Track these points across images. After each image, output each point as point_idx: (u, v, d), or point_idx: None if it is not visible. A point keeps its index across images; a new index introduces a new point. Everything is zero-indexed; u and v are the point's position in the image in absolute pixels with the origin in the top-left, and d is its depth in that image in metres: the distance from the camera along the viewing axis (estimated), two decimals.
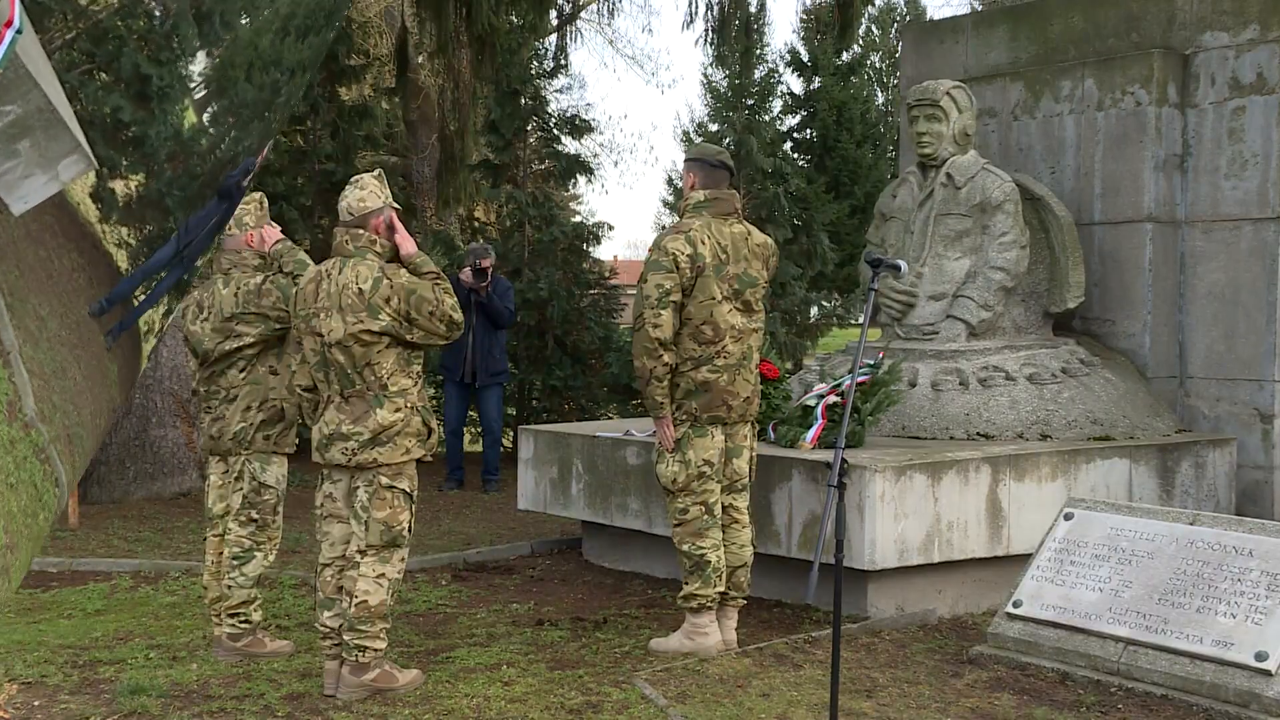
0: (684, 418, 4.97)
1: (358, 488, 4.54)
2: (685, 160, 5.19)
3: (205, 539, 5.20)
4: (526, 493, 6.95)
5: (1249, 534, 4.62)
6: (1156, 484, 6.24)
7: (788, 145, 30.54)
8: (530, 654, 5.03)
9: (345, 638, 4.48)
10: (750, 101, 13.58)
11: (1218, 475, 6.51)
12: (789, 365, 11.39)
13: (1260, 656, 4.24)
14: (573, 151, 12.28)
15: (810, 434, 5.76)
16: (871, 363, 6.10)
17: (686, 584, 4.99)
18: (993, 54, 7.80)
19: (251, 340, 5.00)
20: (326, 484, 4.65)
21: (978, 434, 6.21)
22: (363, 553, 4.52)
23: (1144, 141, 6.93)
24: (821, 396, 5.95)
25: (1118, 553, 4.81)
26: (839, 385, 5.97)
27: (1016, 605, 4.89)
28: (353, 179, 4.68)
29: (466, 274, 9.09)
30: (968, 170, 6.81)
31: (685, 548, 4.98)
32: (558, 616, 5.69)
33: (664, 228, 5.25)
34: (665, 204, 34.13)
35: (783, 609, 5.77)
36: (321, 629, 4.59)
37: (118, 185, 2.79)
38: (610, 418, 10.53)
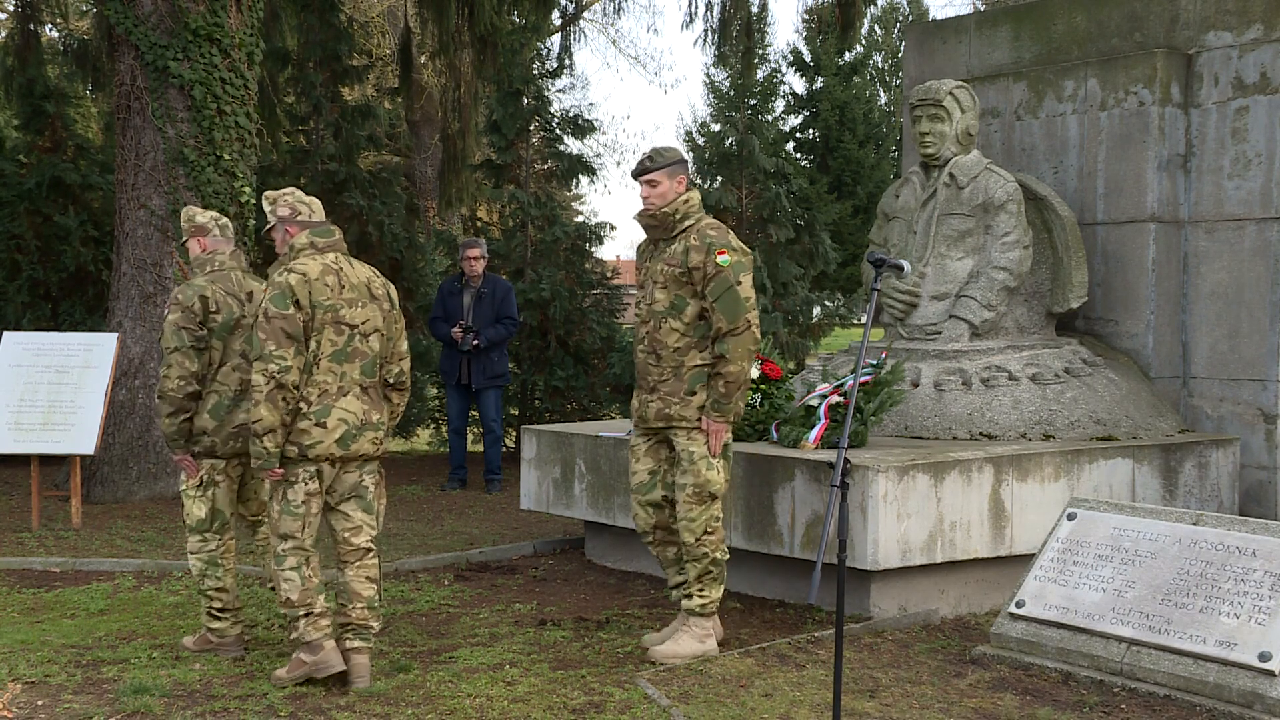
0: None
1: (363, 480, 4.68)
2: (675, 164, 4.99)
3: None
4: (529, 493, 6.95)
5: (1252, 534, 4.61)
6: (1159, 484, 6.24)
7: (790, 145, 30.58)
8: (533, 654, 5.03)
9: (375, 625, 4.69)
10: (753, 101, 13.56)
11: (1220, 475, 6.50)
12: (791, 365, 11.39)
13: (1264, 657, 4.23)
14: (575, 152, 12.27)
15: (813, 434, 5.75)
16: (874, 363, 6.10)
17: (704, 590, 4.96)
18: (996, 54, 7.80)
19: None
20: (343, 476, 4.69)
21: (980, 434, 6.21)
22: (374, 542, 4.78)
23: (1147, 141, 6.92)
24: (824, 396, 5.94)
25: (1121, 553, 4.80)
26: (842, 385, 5.96)
27: (1019, 605, 4.89)
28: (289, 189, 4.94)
29: (457, 332, 9.16)
30: (971, 170, 6.80)
31: (716, 554, 4.96)
32: (560, 616, 5.69)
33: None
34: None
35: (785, 609, 5.77)
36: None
37: None
38: (613, 417, 10.52)
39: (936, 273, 6.82)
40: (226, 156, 9.30)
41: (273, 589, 4.98)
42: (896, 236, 7.08)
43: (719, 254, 4.83)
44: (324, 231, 4.77)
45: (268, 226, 4.90)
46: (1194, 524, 4.77)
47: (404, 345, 4.85)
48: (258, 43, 9.67)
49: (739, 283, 4.82)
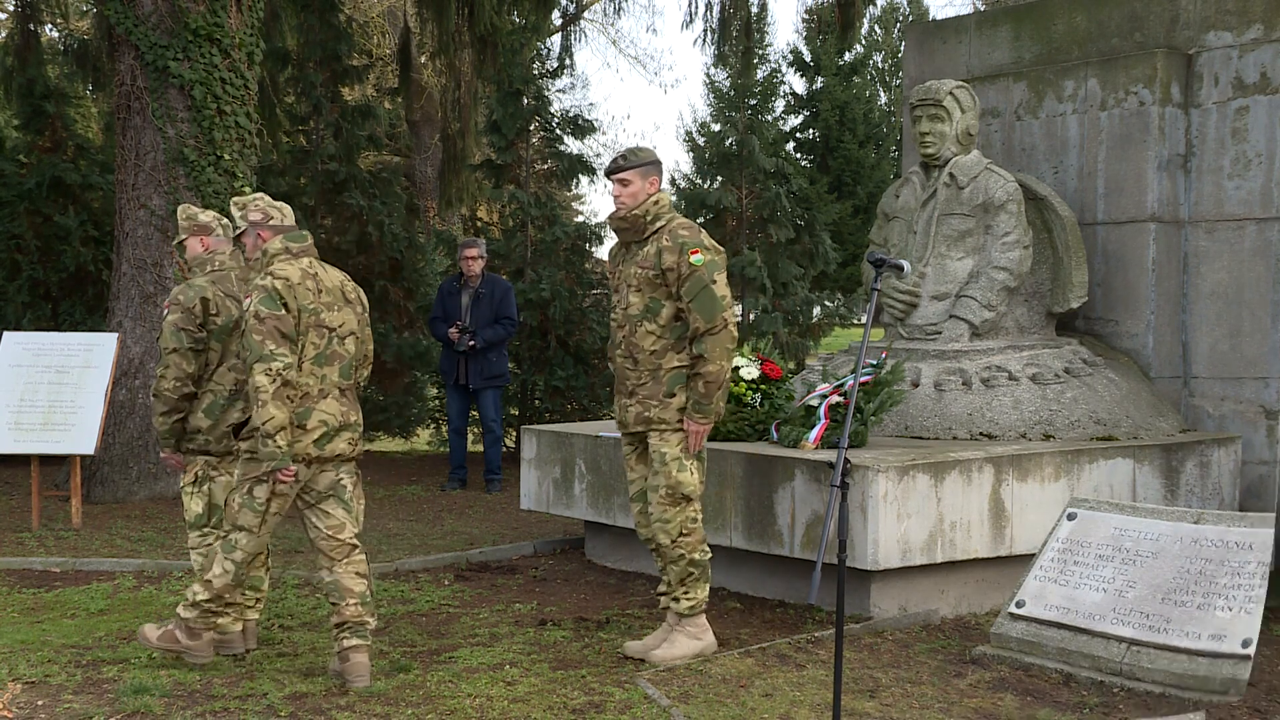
0: None
1: (340, 478, 4.75)
2: (649, 164, 4.95)
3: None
4: (529, 492, 6.95)
5: (1250, 528, 4.64)
6: (1161, 483, 6.23)
7: (790, 145, 30.58)
8: (533, 654, 5.03)
9: (371, 622, 4.72)
10: (753, 101, 13.56)
11: (1222, 474, 6.50)
12: (791, 365, 11.39)
13: (1246, 643, 4.26)
14: (575, 152, 12.28)
15: (813, 434, 5.75)
16: (874, 363, 6.10)
17: (688, 592, 4.93)
18: (996, 53, 7.79)
19: None
20: (320, 475, 4.74)
21: (980, 434, 6.20)
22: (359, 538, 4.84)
23: (1147, 141, 6.91)
24: (824, 397, 5.94)
25: (1122, 553, 4.81)
26: (842, 385, 5.96)
27: (1019, 605, 4.89)
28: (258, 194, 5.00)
29: (454, 333, 9.16)
30: (970, 170, 6.79)
31: (695, 555, 4.93)
32: (560, 616, 5.69)
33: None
34: None
35: (785, 609, 5.77)
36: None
37: None
38: (613, 417, 10.53)
39: (936, 273, 6.81)
40: (226, 156, 9.30)
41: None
42: (896, 236, 7.08)
43: (692, 254, 4.81)
44: (297, 237, 4.82)
45: (238, 231, 4.93)
46: (1195, 523, 4.78)
47: (371, 348, 4.96)
48: (258, 43, 9.67)
49: (714, 281, 4.81)
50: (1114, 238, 7.07)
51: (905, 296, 6.85)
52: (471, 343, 9.15)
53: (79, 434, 7.77)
